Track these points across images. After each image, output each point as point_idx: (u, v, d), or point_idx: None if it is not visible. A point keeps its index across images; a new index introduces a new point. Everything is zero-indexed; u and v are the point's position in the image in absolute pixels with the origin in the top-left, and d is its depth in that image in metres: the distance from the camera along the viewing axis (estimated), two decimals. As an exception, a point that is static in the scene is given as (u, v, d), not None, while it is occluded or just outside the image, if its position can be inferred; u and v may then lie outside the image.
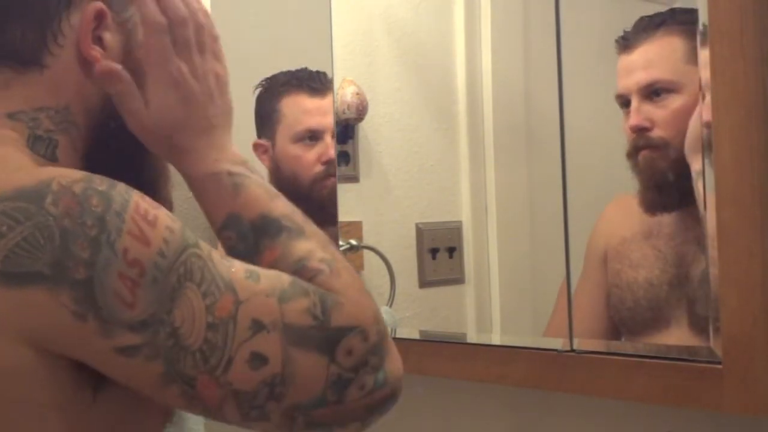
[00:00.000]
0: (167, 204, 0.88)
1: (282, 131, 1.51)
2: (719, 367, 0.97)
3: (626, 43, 1.12)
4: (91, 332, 0.71)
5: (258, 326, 0.74)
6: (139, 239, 0.72)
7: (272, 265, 0.79)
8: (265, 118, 1.53)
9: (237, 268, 0.77)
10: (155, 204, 0.75)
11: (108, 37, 0.85)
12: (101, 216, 0.71)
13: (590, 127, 1.22)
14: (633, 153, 1.12)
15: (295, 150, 1.50)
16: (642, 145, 1.11)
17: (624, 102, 1.13)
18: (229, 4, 1.51)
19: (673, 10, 1.12)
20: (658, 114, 1.09)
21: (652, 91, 1.10)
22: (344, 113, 1.52)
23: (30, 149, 0.81)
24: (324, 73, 1.50)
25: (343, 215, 1.49)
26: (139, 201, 0.74)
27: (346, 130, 1.54)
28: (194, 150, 0.85)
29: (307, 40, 1.51)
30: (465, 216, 1.51)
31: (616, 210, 1.20)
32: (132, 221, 0.72)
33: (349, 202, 1.52)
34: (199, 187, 0.86)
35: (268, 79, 1.54)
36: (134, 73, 0.86)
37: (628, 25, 1.14)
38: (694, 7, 0.99)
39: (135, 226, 0.72)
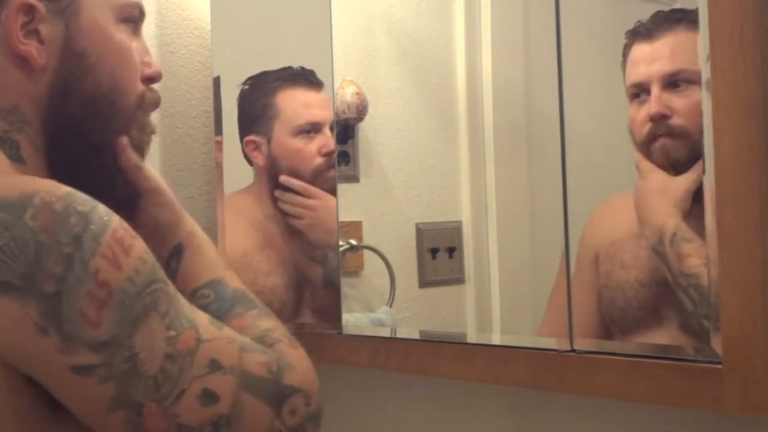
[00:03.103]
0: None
1: (280, 126, 1.50)
2: (719, 367, 0.97)
3: (647, 32, 1.12)
4: (51, 347, 0.71)
5: (215, 366, 0.76)
6: (112, 263, 0.73)
7: (238, 332, 0.83)
8: (258, 114, 1.51)
9: (201, 314, 0.80)
10: (133, 233, 0.77)
11: (44, 29, 0.85)
12: (78, 235, 0.72)
13: (591, 127, 1.22)
14: (650, 141, 1.11)
15: (295, 143, 1.49)
16: (662, 132, 1.10)
17: (639, 91, 1.12)
18: (229, 4, 1.51)
19: (689, 11, 1.12)
20: (679, 103, 1.09)
21: (673, 82, 1.10)
22: (344, 113, 1.52)
23: None
24: (313, 71, 1.50)
25: (343, 215, 1.49)
26: (117, 227, 0.75)
27: (346, 130, 1.54)
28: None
29: (307, 40, 1.51)
30: (465, 216, 1.51)
31: (606, 212, 1.20)
32: (107, 245, 0.73)
33: (349, 202, 1.52)
34: (196, 245, 0.92)
35: (252, 77, 1.52)
36: (78, 59, 0.86)
37: (628, 25, 1.14)
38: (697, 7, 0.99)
39: (109, 250, 0.73)
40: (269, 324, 0.87)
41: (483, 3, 1.47)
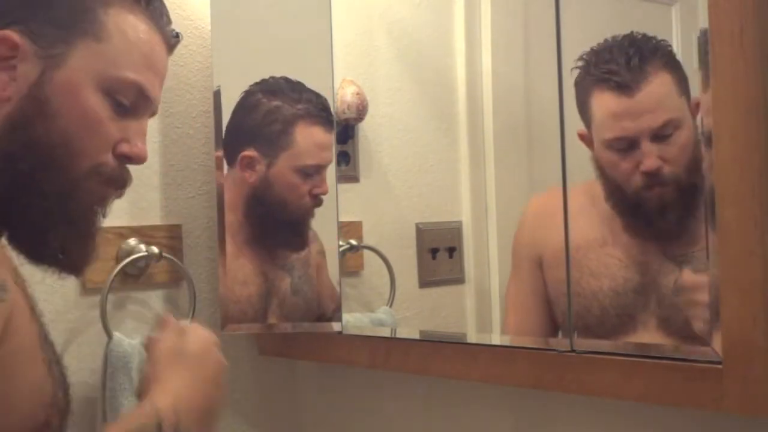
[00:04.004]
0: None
1: (288, 157, 1.47)
2: (719, 367, 0.97)
3: (621, 82, 1.11)
4: None
5: None
6: None
7: None
8: (268, 134, 1.47)
9: None
10: None
11: (22, 67, 0.86)
12: None
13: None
14: (645, 191, 1.11)
15: (295, 179, 1.46)
16: (657, 183, 1.11)
17: (626, 144, 1.11)
18: (229, 5, 1.51)
19: (645, 39, 1.11)
20: (668, 151, 1.09)
21: (662, 132, 1.10)
22: (344, 113, 1.52)
23: None
24: (329, 110, 1.48)
25: (343, 215, 1.49)
26: None
27: (346, 130, 1.54)
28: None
29: (307, 40, 1.50)
30: (465, 216, 1.51)
31: (543, 212, 1.20)
32: None
33: (349, 202, 1.52)
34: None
35: (259, 85, 1.48)
36: (38, 104, 0.86)
37: (628, 25, 1.13)
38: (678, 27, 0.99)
39: None
40: None
41: (483, 3, 1.47)
